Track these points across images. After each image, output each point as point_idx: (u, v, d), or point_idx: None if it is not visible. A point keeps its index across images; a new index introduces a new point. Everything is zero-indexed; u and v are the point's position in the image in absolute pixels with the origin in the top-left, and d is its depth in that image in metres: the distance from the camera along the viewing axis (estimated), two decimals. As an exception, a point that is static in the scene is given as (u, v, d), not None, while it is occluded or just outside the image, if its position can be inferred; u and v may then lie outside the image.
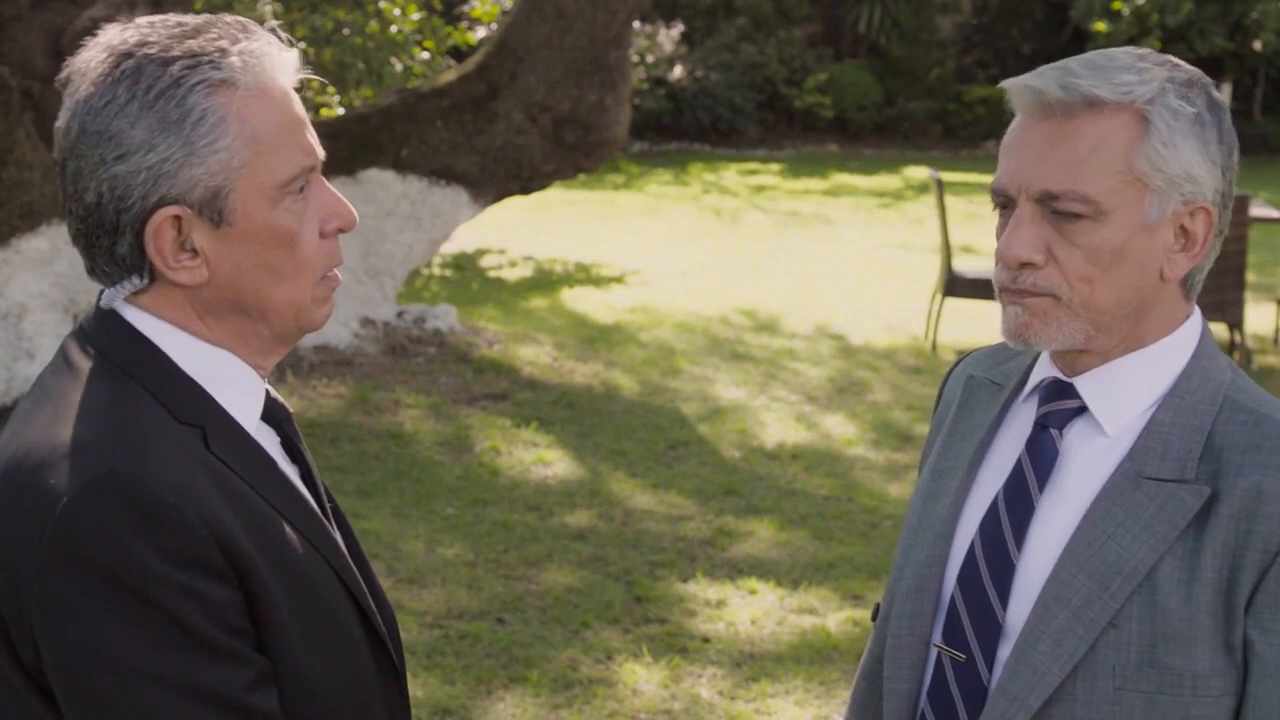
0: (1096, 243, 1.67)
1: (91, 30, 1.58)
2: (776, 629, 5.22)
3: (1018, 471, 1.76)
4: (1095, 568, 1.66)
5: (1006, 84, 1.72)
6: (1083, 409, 1.75)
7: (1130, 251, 1.68)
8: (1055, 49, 20.88)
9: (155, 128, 1.49)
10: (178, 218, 1.51)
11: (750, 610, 5.35)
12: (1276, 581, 1.62)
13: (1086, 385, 1.75)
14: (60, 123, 1.55)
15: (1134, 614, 1.64)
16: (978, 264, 11.85)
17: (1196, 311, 1.79)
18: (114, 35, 1.55)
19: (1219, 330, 9.80)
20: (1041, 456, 1.76)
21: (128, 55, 1.51)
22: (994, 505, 1.76)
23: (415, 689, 4.65)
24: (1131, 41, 19.59)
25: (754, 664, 4.93)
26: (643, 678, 4.80)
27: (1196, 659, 1.63)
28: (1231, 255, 8.67)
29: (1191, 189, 1.68)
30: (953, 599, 1.76)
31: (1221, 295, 8.69)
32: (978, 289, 9.21)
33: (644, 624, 5.22)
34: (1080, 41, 20.71)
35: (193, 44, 1.52)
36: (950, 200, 13.54)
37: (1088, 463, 1.73)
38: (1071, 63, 1.71)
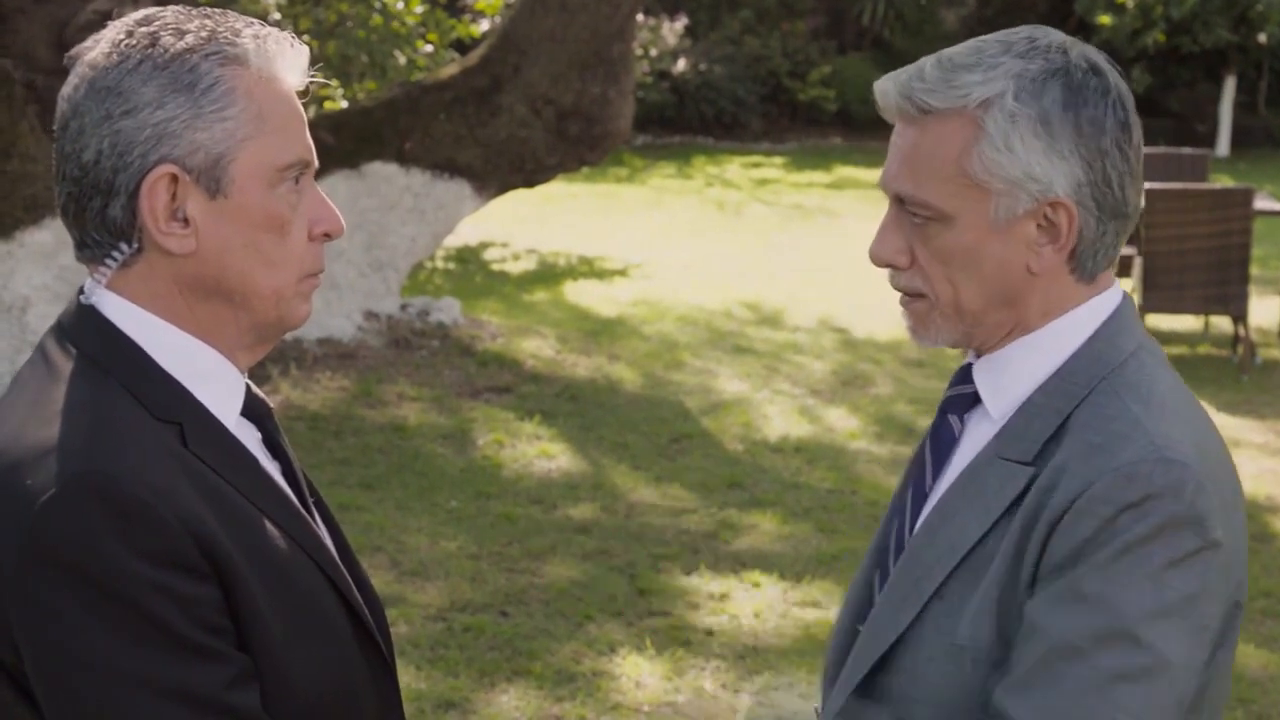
0: (947, 245, 1.67)
1: (95, 23, 1.58)
2: (780, 622, 5.22)
3: (920, 457, 1.80)
4: (937, 542, 1.69)
5: (876, 83, 1.72)
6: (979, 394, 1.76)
7: (985, 252, 1.67)
8: (1059, 42, 20.78)
9: (166, 87, 1.50)
10: (174, 178, 1.50)
11: (753, 603, 5.35)
12: (1061, 552, 1.58)
13: (980, 370, 1.75)
14: (66, 88, 1.54)
15: (956, 588, 1.66)
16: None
17: (1112, 294, 1.73)
18: (127, 17, 1.58)
19: (1222, 324, 9.80)
20: (939, 442, 1.77)
21: (143, 23, 1.54)
22: (907, 493, 1.81)
23: (418, 682, 4.66)
24: (1136, 35, 19.53)
25: (757, 657, 4.94)
26: (646, 670, 4.80)
27: (989, 631, 1.63)
28: (1235, 249, 8.65)
29: (1038, 187, 1.64)
30: (872, 583, 1.83)
31: (1225, 289, 8.67)
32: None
33: (647, 617, 5.22)
34: (1085, 34, 20.64)
35: (208, 23, 1.54)
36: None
37: (974, 448, 1.73)
38: (928, 61, 1.68)
